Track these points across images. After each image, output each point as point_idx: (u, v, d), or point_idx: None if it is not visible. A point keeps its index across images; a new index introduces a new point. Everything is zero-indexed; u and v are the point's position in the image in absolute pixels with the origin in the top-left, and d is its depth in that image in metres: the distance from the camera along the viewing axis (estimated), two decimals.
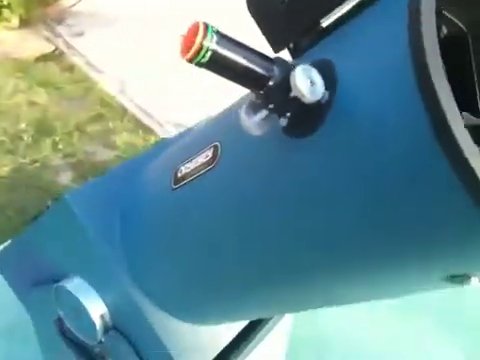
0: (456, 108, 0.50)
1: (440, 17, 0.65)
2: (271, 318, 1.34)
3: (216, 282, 0.92)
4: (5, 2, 3.67)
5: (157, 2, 4.29)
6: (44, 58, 3.60)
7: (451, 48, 0.62)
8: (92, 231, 1.00)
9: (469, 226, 0.54)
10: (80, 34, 3.90)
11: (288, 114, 0.62)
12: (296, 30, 0.71)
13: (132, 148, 2.87)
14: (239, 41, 0.60)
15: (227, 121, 0.83)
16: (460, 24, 0.71)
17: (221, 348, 1.13)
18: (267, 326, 1.34)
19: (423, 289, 0.75)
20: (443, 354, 1.97)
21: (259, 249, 0.77)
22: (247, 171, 0.74)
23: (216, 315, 1.04)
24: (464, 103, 0.57)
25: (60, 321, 1.22)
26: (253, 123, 0.64)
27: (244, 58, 0.59)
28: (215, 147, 0.80)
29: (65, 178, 2.70)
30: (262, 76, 0.60)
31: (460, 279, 0.63)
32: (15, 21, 3.74)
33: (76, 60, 3.59)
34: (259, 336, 1.31)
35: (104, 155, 2.84)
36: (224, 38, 0.58)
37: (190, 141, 0.94)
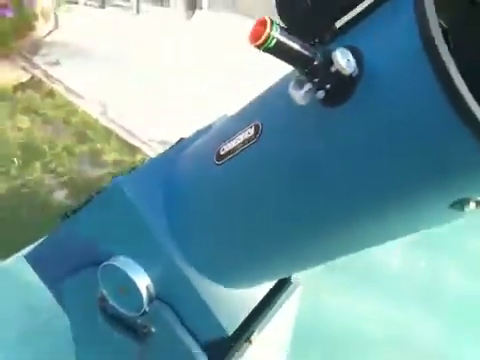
0: (454, 65, 0.71)
1: None
2: (285, 293, 1.54)
3: (257, 243, 1.10)
4: None
5: (124, 30, 4.50)
6: (22, 86, 3.73)
7: None
8: (142, 211, 1.17)
9: (467, 156, 0.75)
10: (56, 63, 4.05)
11: (327, 86, 0.83)
12: (318, 29, 0.92)
13: (121, 165, 3.01)
14: (291, 34, 0.80)
15: (265, 102, 1.03)
16: (443, 23, 0.93)
17: (250, 310, 1.31)
18: (280, 300, 1.54)
19: (431, 222, 0.95)
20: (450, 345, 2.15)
21: (300, 205, 0.97)
22: (289, 138, 0.93)
23: (253, 275, 1.21)
24: None
25: (102, 300, 1.37)
26: (299, 95, 0.84)
27: (297, 44, 0.80)
28: (256, 125, 0.99)
29: (59, 196, 2.82)
30: (309, 58, 0.81)
31: (461, 205, 0.84)
32: None
33: (55, 87, 3.73)
34: (275, 306, 1.50)
35: (95, 173, 2.98)
36: (283, 30, 0.78)
37: (228, 125, 1.13)
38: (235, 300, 1.26)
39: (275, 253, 1.10)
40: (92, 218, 1.29)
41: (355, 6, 0.87)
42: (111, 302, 1.34)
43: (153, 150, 3.14)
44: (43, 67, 3.94)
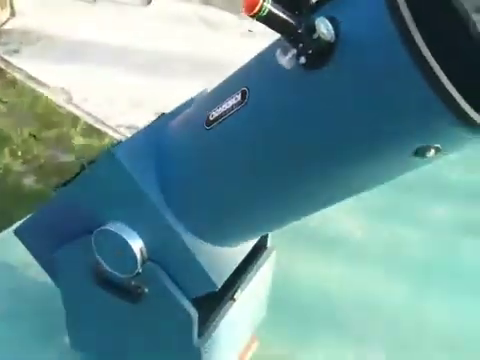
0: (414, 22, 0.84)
1: None
2: (262, 256, 1.67)
3: (243, 199, 1.22)
4: None
5: (83, 18, 4.51)
6: None
7: None
8: (135, 176, 1.26)
9: (426, 106, 0.88)
10: (16, 51, 4.02)
11: (309, 52, 0.94)
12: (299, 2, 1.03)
13: (90, 150, 3.06)
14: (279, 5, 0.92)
15: (250, 70, 1.14)
16: None
17: (234, 268, 1.42)
18: (258, 262, 1.67)
19: (399, 170, 1.09)
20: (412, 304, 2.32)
21: (284, 161, 1.08)
22: (274, 101, 1.05)
23: (238, 232, 1.33)
24: None
25: (96, 266, 1.45)
26: (285, 60, 0.96)
27: (285, 15, 0.91)
28: (243, 91, 1.10)
29: (29, 181, 2.85)
30: (294, 26, 0.93)
31: (423, 152, 0.98)
32: None
33: (17, 75, 3.72)
34: (254, 268, 1.64)
35: (64, 158, 3.01)
36: (274, 1, 0.90)
37: (216, 93, 1.23)
38: (222, 258, 1.38)
39: (260, 208, 1.22)
40: (86, 186, 1.37)
41: None
42: (105, 267, 1.43)
43: (121, 135, 3.20)
44: (3, 56, 3.91)
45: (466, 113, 0.87)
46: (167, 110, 1.47)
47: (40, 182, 2.84)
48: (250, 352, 1.91)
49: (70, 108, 3.43)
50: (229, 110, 1.13)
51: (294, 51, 0.95)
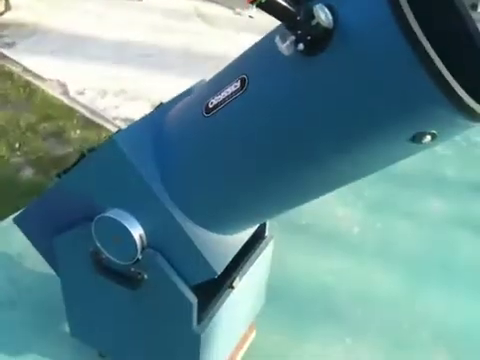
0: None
1: None
2: (260, 245, 1.69)
3: (242, 187, 1.23)
4: None
5: (79, 11, 4.51)
6: None
7: None
8: (135, 162, 1.27)
9: (422, 91, 0.90)
10: (12, 44, 4.02)
11: (308, 38, 0.96)
12: None
13: (86, 142, 3.06)
14: None
15: (249, 59, 1.15)
16: None
17: (233, 255, 1.44)
18: (256, 251, 1.69)
19: (396, 156, 1.10)
20: (406, 294, 2.36)
21: (284, 148, 1.10)
22: (272, 87, 1.06)
23: (237, 219, 1.34)
24: None
25: (96, 253, 1.46)
26: (284, 47, 0.97)
27: (284, 1, 0.93)
28: (242, 78, 1.12)
29: (27, 174, 2.85)
30: (293, 13, 0.94)
31: (419, 138, 0.99)
32: None
33: (13, 68, 3.72)
34: (252, 256, 1.66)
35: (61, 150, 3.02)
36: None
37: (215, 81, 1.25)
38: (221, 245, 1.39)
39: (259, 194, 1.23)
40: (86, 173, 1.38)
41: None
42: (105, 254, 1.44)
43: (118, 127, 3.20)
44: None
45: (461, 98, 0.89)
46: None
47: (38, 174, 2.85)
48: (248, 340, 1.94)
49: (66, 101, 3.43)
50: (228, 97, 1.14)
51: (293, 38, 0.97)
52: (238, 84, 1.12)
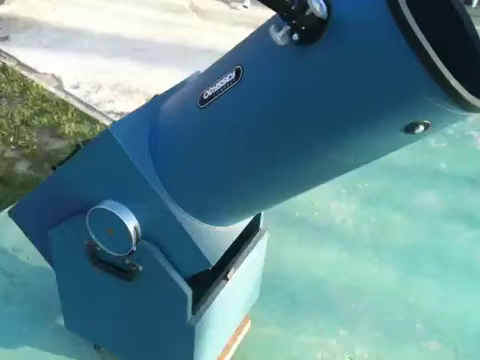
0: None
1: None
2: (254, 237, 1.70)
3: (237, 177, 1.23)
4: None
5: (73, 5, 4.49)
6: None
7: None
8: (130, 154, 1.27)
9: (415, 81, 0.90)
10: (5, 38, 4.00)
11: (302, 28, 0.96)
12: None
13: (81, 136, 3.06)
14: None
15: (243, 50, 1.15)
16: None
17: (227, 247, 1.44)
18: (251, 244, 1.70)
19: (390, 146, 1.11)
20: (401, 286, 2.38)
21: (279, 137, 1.10)
22: (267, 77, 1.07)
23: (231, 211, 1.35)
24: None
25: (91, 246, 1.46)
26: (279, 36, 0.98)
27: None
28: (237, 69, 1.12)
29: (22, 168, 2.84)
30: (288, 3, 0.94)
31: (412, 128, 1.00)
32: None
33: (7, 62, 3.70)
34: (247, 248, 1.67)
35: (56, 144, 3.01)
36: None
37: (210, 72, 1.25)
38: (216, 237, 1.39)
39: (254, 185, 1.24)
40: (81, 165, 1.38)
41: None
42: (100, 246, 1.44)
43: (112, 121, 3.19)
44: None
45: (454, 87, 0.89)
46: None
47: (32, 168, 2.84)
48: (243, 332, 1.95)
49: (61, 95, 3.42)
50: (223, 88, 1.14)
51: (287, 28, 0.97)
52: (233, 75, 1.13)
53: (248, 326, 1.99)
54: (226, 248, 1.42)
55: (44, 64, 3.69)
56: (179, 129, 1.27)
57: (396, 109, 0.97)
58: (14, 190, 2.69)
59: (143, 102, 1.49)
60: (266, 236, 1.78)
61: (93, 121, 3.22)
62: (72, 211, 1.46)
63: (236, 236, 1.47)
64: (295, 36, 0.98)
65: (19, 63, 3.71)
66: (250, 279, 1.84)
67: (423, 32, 0.88)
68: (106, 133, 1.28)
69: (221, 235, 1.41)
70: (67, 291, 1.69)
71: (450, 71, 0.90)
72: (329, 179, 1.22)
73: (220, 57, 1.25)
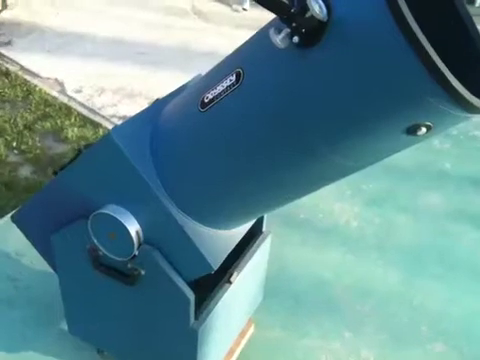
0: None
1: None
2: (257, 240, 1.69)
3: (238, 181, 1.23)
4: None
5: (76, 9, 4.50)
6: None
7: None
8: (132, 158, 1.27)
9: (417, 83, 0.90)
10: (7, 43, 4.01)
11: (302, 31, 0.96)
12: None
13: (84, 140, 3.06)
14: None
15: (243, 53, 1.15)
16: None
17: (230, 251, 1.44)
18: (253, 247, 1.70)
19: (392, 148, 1.10)
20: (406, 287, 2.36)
21: (280, 141, 1.10)
22: (267, 80, 1.06)
23: (232, 214, 1.34)
24: None
25: (93, 250, 1.46)
26: (279, 39, 0.97)
27: None
28: (237, 72, 1.11)
29: (25, 172, 2.85)
30: (288, 6, 0.94)
31: (414, 130, 0.99)
32: None
33: (10, 67, 3.71)
34: (250, 252, 1.66)
35: (59, 149, 3.01)
36: None
37: (210, 76, 1.24)
38: (218, 240, 1.39)
39: (255, 188, 1.23)
40: (83, 169, 1.38)
41: None
42: (102, 250, 1.44)
43: (115, 125, 3.19)
44: None
45: (455, 89, 0.88)
46: None
47: (35, 173, 2.84)
48: (247, 335, 1.94)
49: (64, 99, 3.43)
50: (224, 91, 1.14)
51: (287, 30, 0.97)
52: (233, 78, 1.12)
53: (252, 329, 1.98)
54: (228, 252, 1.41)
55: (47, 68, 3.70)
56: (180, 132, 1.27)
57: (397, 110, 0.97)
58: (17, 195, 2.69)
59: (146, 106, 1.49)
60: (269, 239, 1.77)
61: (96, 125, 3.22)
62: (74, 216, 1.46)
63: (238, 239, 1.46)
64: (295, 39, 0.98)
65: (22, 68, 3.71)
66: (253, 282, 1.83)
67: (424, 32, 0.87)
68: (107, 137, 1.28)
69: (223, 239, 1.40)
70: (70, 295, 1.69)
71: (452, 71, 0.89)
72: (331, 182, 1.22)
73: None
